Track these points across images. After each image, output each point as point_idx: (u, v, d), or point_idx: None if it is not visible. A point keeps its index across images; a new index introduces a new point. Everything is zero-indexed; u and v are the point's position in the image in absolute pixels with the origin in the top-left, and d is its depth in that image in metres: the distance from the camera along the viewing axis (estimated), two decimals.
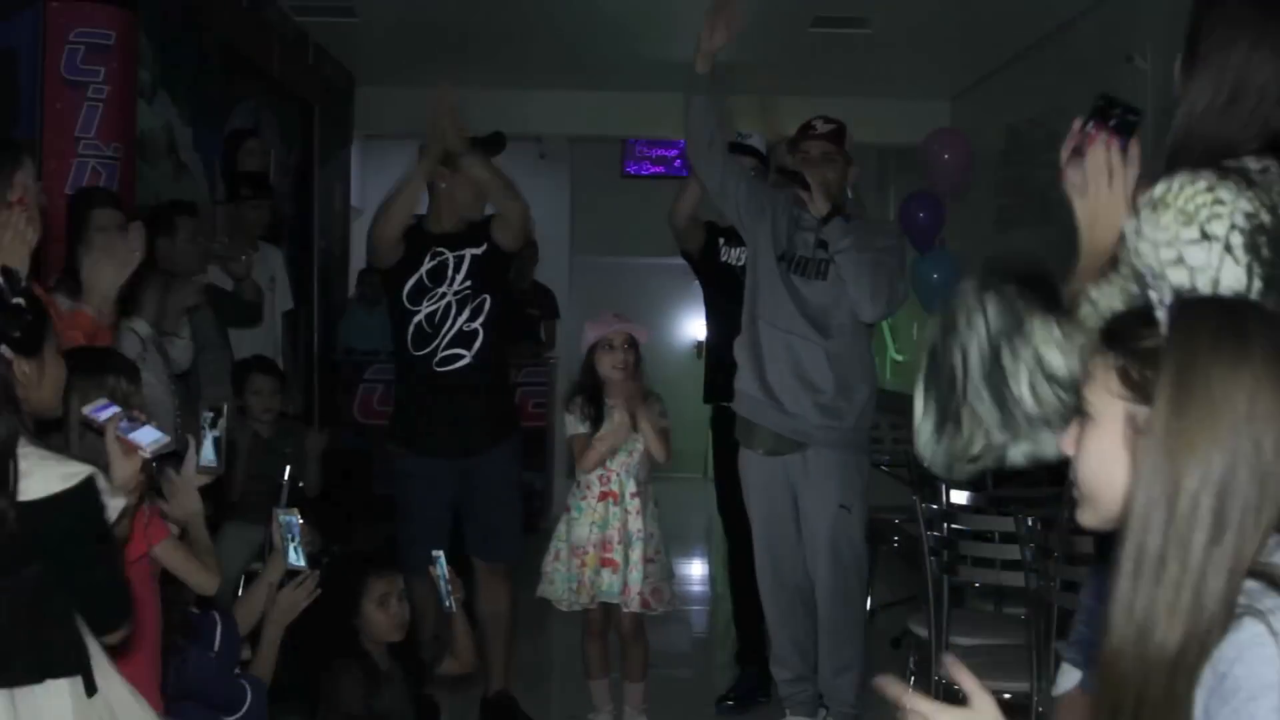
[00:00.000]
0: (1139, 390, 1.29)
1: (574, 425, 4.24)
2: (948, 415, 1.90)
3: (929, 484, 4.08)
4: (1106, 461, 1.34)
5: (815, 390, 4.16)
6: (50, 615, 2.02)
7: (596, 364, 4.22)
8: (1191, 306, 1.29)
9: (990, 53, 7.83)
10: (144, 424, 2.47)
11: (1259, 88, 1.83)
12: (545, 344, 8.72)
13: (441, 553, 3.52)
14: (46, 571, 2.00)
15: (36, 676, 2.00)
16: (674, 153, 10.71)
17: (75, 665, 2.05)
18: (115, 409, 2.46)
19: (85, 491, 2.01)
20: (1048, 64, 7.31)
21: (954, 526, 3.72)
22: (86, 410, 2.44)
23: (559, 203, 10.47)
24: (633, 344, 4.23)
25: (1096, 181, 1.95)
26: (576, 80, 8.61)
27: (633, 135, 10.45)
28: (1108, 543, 2.02)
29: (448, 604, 3.52)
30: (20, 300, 2.07)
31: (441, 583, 3.52)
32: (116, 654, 2.21)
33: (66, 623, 2.05)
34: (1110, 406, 1.33)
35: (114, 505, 2.16)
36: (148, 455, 2.46)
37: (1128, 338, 1.33)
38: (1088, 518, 1.38)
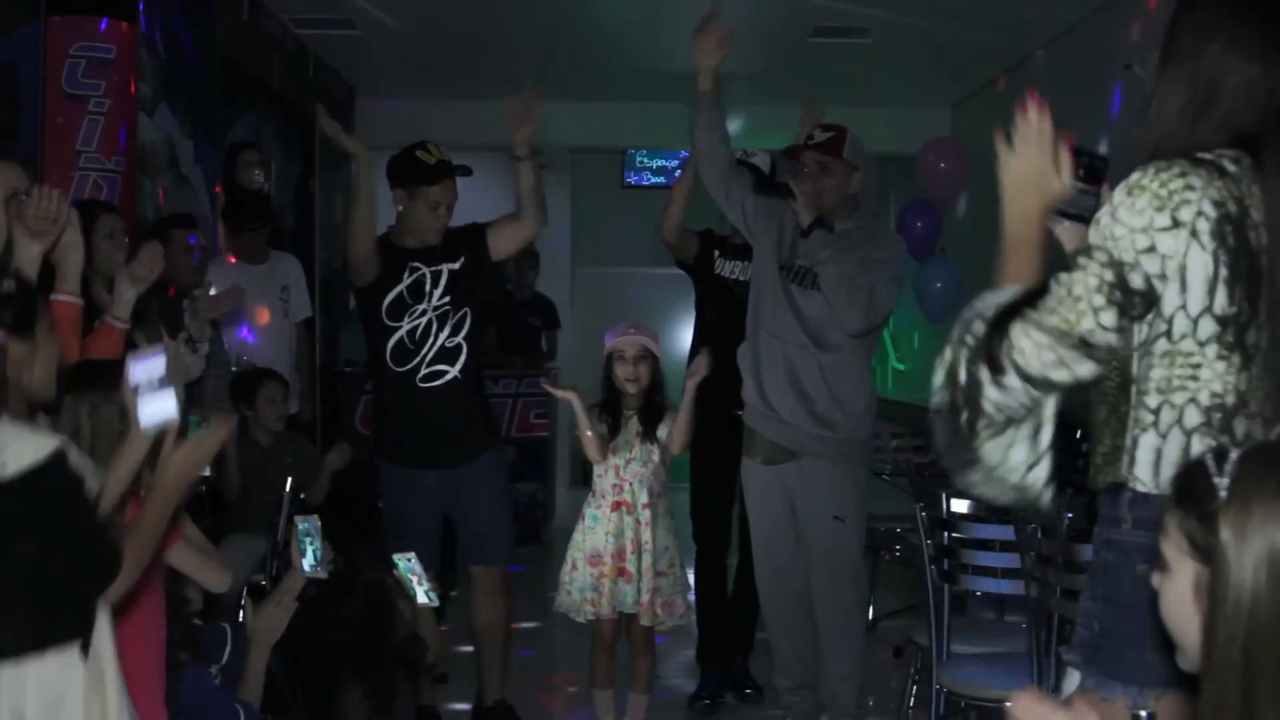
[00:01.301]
0: (1205, 554, 1.29)
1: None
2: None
3: (929, 492, 4.07)
4: (1180, 613, 1.35)
5: (808, 400, 4.17)
6: (48, 586, 2.01)
7: (612, 374, 4.24)
8: (1247, 461, 1.29)
9: (990, 61, 7.85)
10: (165, 392, 2.33)
11: (1231, 90, 1.88)
12: (546, 354, 8.73)
13: (409, 555, 3.46)
14: (39, 545, 1.98)
15: (38, 647, 2.01)
16: (674, 163, 10.73)
17: (75, 631, 2.05)
18: (156, 360, 2.33)
19: (57, 462, 1.99)
20: (1047, 72, 7.33)
21: (955, 535, 3.72)
22: (132, 358, 2.34)
23: (560, 213, 10.47)
24: (647, 354, 4.23)
25: (1024, 143, 1.98)
26: (577, 91, 8.63)
27: (633, 146, 10.48)
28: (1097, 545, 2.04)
29: (428, 599, 3.44)
30: (10, 283, 2.08)
31: (414, 578, 3.45)
32: (123, 661, 2.22)
33: (67, 592, 2.04)
34: (1181, 563, 1.34)
35: (91, 477, 2.13)
36: (145, 434, 2.36)
37: (1196, 498, 1.32)
38: (1183, 663, 1.38)
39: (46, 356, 2.20)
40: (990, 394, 1.86)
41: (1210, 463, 1.31)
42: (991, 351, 1.86)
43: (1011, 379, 1.84)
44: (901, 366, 10.20)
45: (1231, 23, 1.90)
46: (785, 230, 4.27)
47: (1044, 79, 7.35)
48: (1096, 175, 1.99)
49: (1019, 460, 1.93)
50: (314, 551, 3.14)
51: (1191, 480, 1.34)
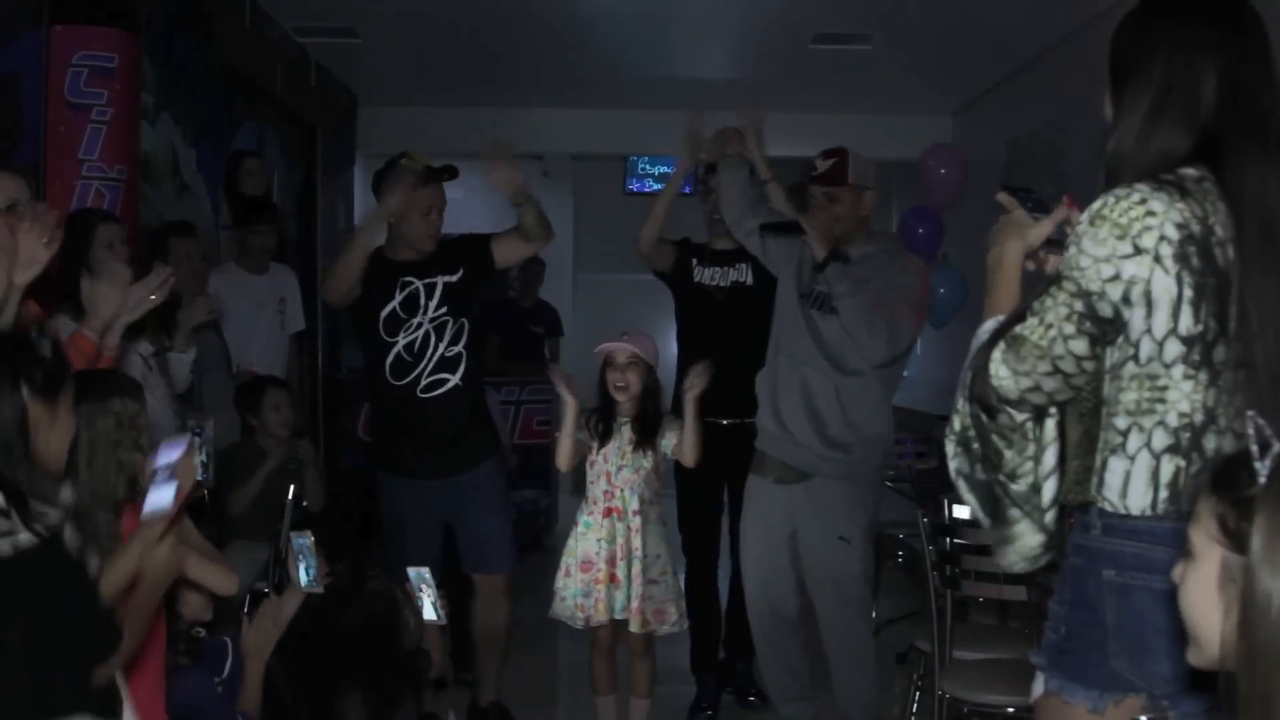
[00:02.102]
0: (1234, 540, 1.27)
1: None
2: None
3: (932, 498, 4.07)
4: (1202, 602, 1.33)
5: (821, 421, 4.17)
6: (47, 663, 1.99)
7: (605, 380, 4.25)
8: None
9: (991, 67, 7.85)
10: (169, 484, 2.35)
11: (1185, 88, 1.89)
12: (549, 361, 8.73)
13: (423, 569, 3.45)
14: (33, 623, 1.97)
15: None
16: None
17: (77, 704, 2.04)
18: (178, 450, 2.36)
19: (56, 541, 1.99)
20: (1049, 78, 7.32)
21: (957, 540, 3.72)
22: (165, 443, 2.37)
23: (562, 220, 10.42)
24: (637, 360, 4.22)
25: (1004, 234, 2.02)
26: (578, 98, 8.64)
27: (635, 153, 10.47)
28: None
29: (436, 614, 3.43)
30: (47, 344, 2.08)
31: (424, 592, 3.43)
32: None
33: (69, 667, 2.03)
34: (1209, 549, 1.32)
35: (92, 558, 2.13)
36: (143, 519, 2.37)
37: (1231, 484, 1.30)
38: (1194, 657, 1.35)
39: (63, 430, 2.18)
40: (992, 433, 1.89)
41: (1254, 449, 1.28)
42: (979, 392, 1.89)
43: (999, 406, 1.88)
44: (905, 372, 10.18)
45: (1171, 26, 1.93)
46: (805, 259, 4.25)
47: (1044, 85, 7.35)
48: (1043, 205, 2.03)
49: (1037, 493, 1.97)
50: (307, 569, 3.16)
51: (1232, 467, 1.32)
